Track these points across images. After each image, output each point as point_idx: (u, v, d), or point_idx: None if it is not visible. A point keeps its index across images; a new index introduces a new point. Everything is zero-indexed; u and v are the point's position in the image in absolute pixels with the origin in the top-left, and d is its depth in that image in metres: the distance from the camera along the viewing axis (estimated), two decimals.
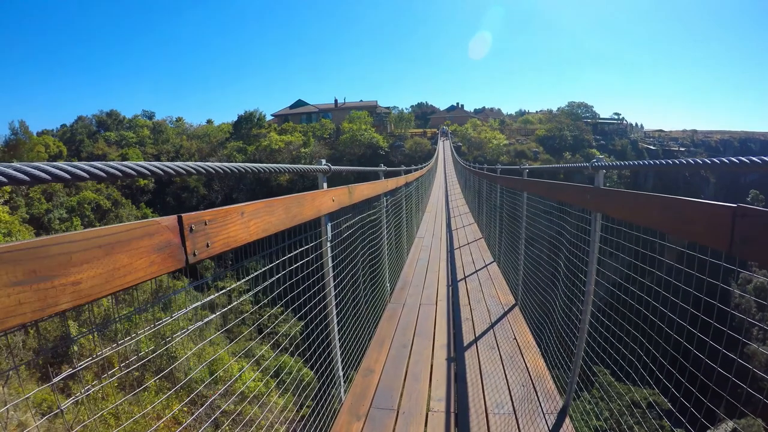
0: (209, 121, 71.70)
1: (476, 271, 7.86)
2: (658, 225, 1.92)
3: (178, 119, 70.22)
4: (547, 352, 4.48)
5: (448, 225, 13.79)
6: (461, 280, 7.35)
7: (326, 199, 2.81)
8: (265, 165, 2.12)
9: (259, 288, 2.48)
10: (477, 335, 5.06)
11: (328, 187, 3.05)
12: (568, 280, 3.93)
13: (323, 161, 2.99)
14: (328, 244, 3.12)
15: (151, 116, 69.72)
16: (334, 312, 3.35)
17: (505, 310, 5.85)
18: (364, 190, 4.04)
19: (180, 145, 59.26)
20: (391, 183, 6.06)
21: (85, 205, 40.07)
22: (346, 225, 3.84)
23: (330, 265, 3.19)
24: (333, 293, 3.28)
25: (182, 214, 1.42)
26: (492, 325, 5.32)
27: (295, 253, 2.62)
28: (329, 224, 3.11)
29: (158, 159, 55.77)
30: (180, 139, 61.60)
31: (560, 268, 4.14)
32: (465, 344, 4.86)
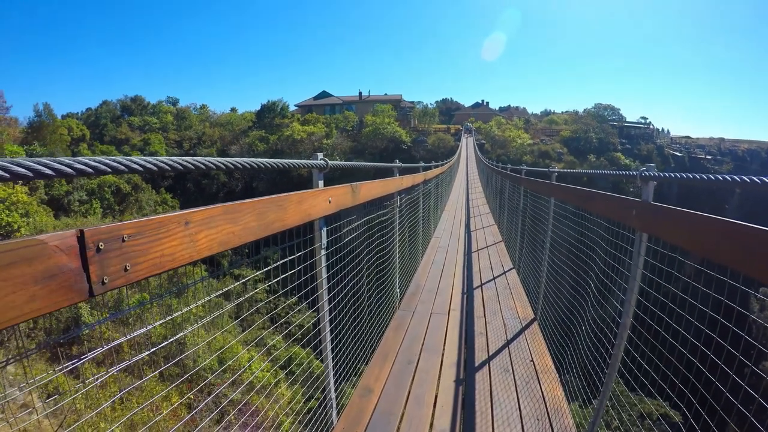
0: (233, 110, 72.05)
1: (494, 279, 7.39)
2: (741, 265, 1.43)
3: (202, 106, 70.60)
4: (568, 381, 4.02)
5: (467, 225, 13.29)
6: (477, 287, 6.88)
7: (320, 201, 2.39)
8: (250, 160, 1.77)
9: (244, 298, 2.13)
10: (490, 354, 4.61)
11: (325, 185, 2.62)
12: (597, 303, 3.46)
13: (319, 155, 2.56)
14: (322, 252, 2.70)
15: (175, 102, 70.39)
16: (328, 329, 2.93)
17: (523, 325, 5.38)
18: (372, 189, 3.60)
19: (202, 132, 59.63)
20: (407, 180, 5.60)
21: (105, 188, 40.39)
22: (347, 229, 3.41)
23: (324, 276, 2.77)
24: (327, 308, 2.86)
25: (85, 228, 1.01)
26: (508, 343, 4.86)
27: (276, 265, 2.21)
28: (324, 229, 2.69)
29: (180, 145, 56.62)
30: (203, 126, 61.94)
31: (589, 289, 3.66)
32: (476, 364, 4.41)
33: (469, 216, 15.32)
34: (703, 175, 2.01)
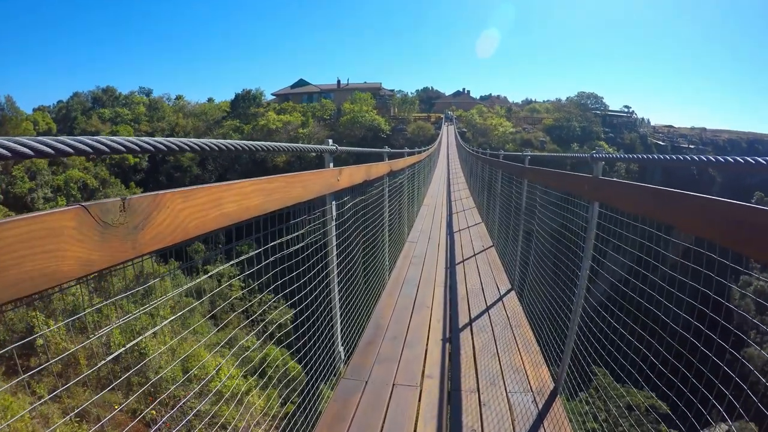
0: (210, 100, 69.64)
1: (488, 309, 5.30)
2: None
3: (179, 97, 68.15)
4: None
5: (449, 224, 11.16)
6: (465, 327, 4.79)
7: None
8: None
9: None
10: None
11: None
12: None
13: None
14: None
15: (148, 93, 68.32)
16: None
17: (540, 408, 3.29)
18: (244, 200, 1.51)
19: (175, 123, 57.73)
20: (353, 174, 3.40)
21: (71, 184, 38.90)
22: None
23: None
24: None
25: None
26: None
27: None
28: None
29: (151, 137, 53.90)
30: (176, 116, 59.77)
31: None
32: None
33: (451, 212, 13.21)
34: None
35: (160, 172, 48.27)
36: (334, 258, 3.21)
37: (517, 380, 3.70)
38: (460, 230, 10.49)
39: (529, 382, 3.66)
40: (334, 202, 3.07)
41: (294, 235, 2.36)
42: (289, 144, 2.26)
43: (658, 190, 2.03)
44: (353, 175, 3.33)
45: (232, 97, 62.14)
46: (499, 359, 4.05)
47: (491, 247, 8.51)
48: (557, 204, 4.20)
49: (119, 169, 44.97)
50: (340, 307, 3.51)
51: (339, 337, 3.53)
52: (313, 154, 2.94)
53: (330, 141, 2.92)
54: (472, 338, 4.48)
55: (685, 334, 2.20)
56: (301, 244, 2.50)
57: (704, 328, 1.99)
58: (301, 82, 72.26)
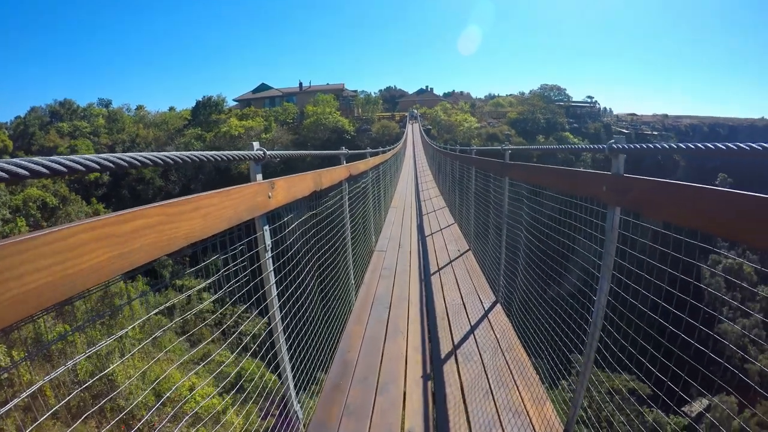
0: (171, 109, 67.53)
1: (472, 330, 4.57)
2: None
3: (139, 107, 65.74)
4: None
5: (420, 228, 10.39)
6: (448, 357, 4.03)
7: None
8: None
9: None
10: None
11: None
12: None
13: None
14: None
15: (107, 104, 65.97)
16: None
17: None
18: (67, 262, 0.76)
19: (136, 134, 55.67)
20: (292, 187, 2.57)
21: (30, 204, 36.77)
22: None
23: None
24: None
25: None
26: None
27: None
28: None
29: (112, 149, 52.36)
30: (136, 127, 57.77)
31: None
32: None
33: (421, 214, 12.44)
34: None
35: (122, 186, 46.45)
36: (275, 300, 2.42)
37: (518, 426, 2.98)
38: (432, 234, 9.77)
39: (534, 429, 2.95)
40: (267, 227, 2.28)
41: (185, 295, 1.59)
42: (202, 153, 1.50)
43: (738, 197, 1.33)
44: (294, 187, 2.54)
45: (194, 104, 60.52)
46: (493, 398, 3.33)
47: (468, 251, 7.81)
48: (554, 207, 3.49)
49: (80, 185, 42.93)
50: (291, 358, 2.72)
51: (293, 395, 2.74)
52: (245, 164, 2.17)
53: (256, 144, 2.12)
54: (458, 371, 3.75)
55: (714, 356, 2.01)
56: (212, 299, 1.72)
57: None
58: (263, 87, 71.22)
